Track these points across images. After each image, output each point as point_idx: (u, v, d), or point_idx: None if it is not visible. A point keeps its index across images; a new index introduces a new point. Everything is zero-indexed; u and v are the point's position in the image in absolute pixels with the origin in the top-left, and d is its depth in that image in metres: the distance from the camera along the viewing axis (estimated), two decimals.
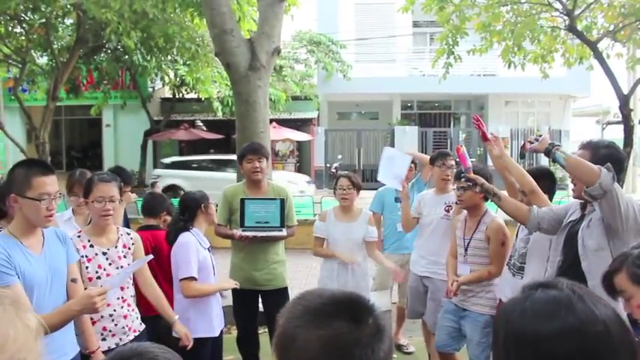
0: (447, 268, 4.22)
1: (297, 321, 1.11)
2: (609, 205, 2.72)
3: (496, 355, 1.17)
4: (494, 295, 3.90)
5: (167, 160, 18.90)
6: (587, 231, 2.89)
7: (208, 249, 3.83)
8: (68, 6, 11.83)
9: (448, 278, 4.11)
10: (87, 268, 3.07)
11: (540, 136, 3.03)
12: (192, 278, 3.61)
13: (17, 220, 2.59)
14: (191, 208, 3.82)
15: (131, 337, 3.21)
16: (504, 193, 3.50)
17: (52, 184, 2.56)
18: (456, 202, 4.20)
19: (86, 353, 2.92)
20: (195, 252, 3.65)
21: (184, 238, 3.70)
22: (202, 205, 3.81)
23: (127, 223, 4.79)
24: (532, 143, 3.05)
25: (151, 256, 3.25)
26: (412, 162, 5.14)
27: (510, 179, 3.80)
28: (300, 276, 8.10)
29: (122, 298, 3.21)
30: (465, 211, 4.07)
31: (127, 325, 3.22)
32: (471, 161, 3.73)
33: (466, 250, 3.95)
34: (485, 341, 3.81)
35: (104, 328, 3.12)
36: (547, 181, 3.72)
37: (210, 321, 3.72)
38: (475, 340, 3.87)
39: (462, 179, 3.58)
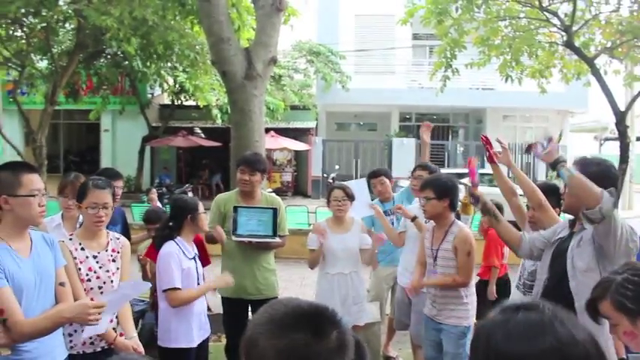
0: (414, 274, 4.23)
1: (259, 328, 1.13)
2: (605, 230, 2.69)
3: None
4: (469, 307, 3.89)
5: None
6: (577, 250, 2.86)
7: (194, 258, 3.80)
8: (69, 11, 11.88)
9: (415, 276, 4.15)
10: (79, 269, 3.07)
11: (551, 140, 2.95)
12: (176, 288, 3.59)
13: (5, 223, 2.58)
14: (178, 215, 3.80)
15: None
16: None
17: (39, 181, 2.61)
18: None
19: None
20: (178, 262, 3.62)
21: (166, 248, 3.68)
22: (189, 215, 3.76)
23: (125, 224, 4.80)
24: (541, 145, 2.97)
25: (149, 284, 3.24)
26: (382, 176, 5.30)
27: (517, 203, 3.76)
28: (293, 286, 8.08)
29: None
30: (432, 221, 4.06)
31: (113, 328, 3.20)
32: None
33: (435, 259, 3.95)
34: (462, 352, 3.81)
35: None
36: (555, 197, 3.69)
37: (190, 331, 3.69)
38: (451, 352, 3.86)
39: (469, 195, 3.52)
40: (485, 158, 3.69)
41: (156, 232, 4.07)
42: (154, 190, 11.70)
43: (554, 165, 2.86)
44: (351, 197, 4.59)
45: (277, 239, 4.43)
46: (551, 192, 3.70)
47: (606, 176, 2.87)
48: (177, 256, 3.65)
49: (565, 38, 9.93)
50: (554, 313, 1.15)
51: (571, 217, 3.09)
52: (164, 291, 3.62)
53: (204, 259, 4.25)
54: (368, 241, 4.60)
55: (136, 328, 4.74)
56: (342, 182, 5.05)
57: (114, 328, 3.20)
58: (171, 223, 3.81)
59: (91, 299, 2.67)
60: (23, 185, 2.53)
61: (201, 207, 3.83)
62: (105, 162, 20.76)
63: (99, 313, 2.55)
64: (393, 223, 5.19)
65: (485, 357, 1.15)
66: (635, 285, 1.87)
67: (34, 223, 2.65)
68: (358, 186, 4.91)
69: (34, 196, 2.54)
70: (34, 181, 2.57)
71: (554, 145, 2.93)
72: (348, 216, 4.67)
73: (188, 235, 3.81)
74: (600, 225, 2.68)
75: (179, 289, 3.60)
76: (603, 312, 1.94)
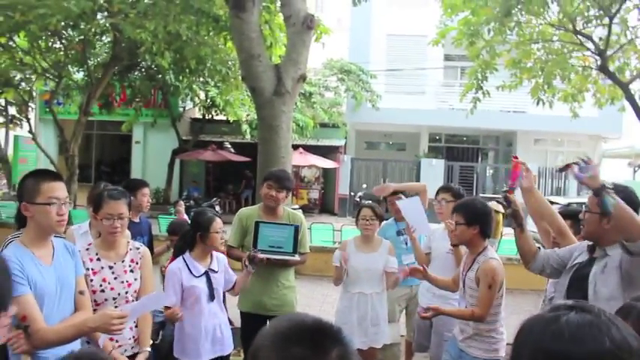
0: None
1: (263, 340, 1.14)
2: None
3: None
4: (498, 338, 3.73)
5: None
6: (602, 277, 2.79)
7: (206, 273, 3.78)
8: (106, 25, 12.16)
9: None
10: (91, 280, 3.09)
11: (586, 161, 2.80)
12: (167, 307, 3.64)
13: (29, 230, 2.62)
14: (194, 230, 3.81)
15: (136, 350, 3.22)
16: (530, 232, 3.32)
17: (60, 189, 2.59)
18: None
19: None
20: (177, 282, 3.66)
21: (172, 265, 3.73)
22: (199, 233, 3.76)
23: (150, 235, 4.85)
24: (578, 165, 2.82)
25: (171, 297, 3.28)
26: (399, 194, 5.17)
27: (544, 226, 3.63)
28: (315, 303, 8.03)
29: None
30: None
31: (133, 337, 3.24)
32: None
33: (464, 285, 3.83)
34: None
35: (110, 339, 3.12)
36: (577, 222, 3.60)
37: (198, 347, 3.70)
38: None
39: (503, 198, 3.40)
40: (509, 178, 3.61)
41: (175, 244, 4.11)
42: (182, 202, 11.81)
43: (599, 191, 2.73)
44: (379, 217, 4.54)
45: (296, 257, 4.40)
46: (570, 218, 3.61)
47: (630, 202, 2.80)
48: (178, 275, 3.67)
49: (599, 62, 9.81)
50: (610, 317, 1.12)
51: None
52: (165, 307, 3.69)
53: None
54: (394, 264, 4.53)
55: (156, 338, 4.78)
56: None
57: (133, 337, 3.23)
58: (187, 235, 3.84)
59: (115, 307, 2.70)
60: (42, 193, 2.54)
61: (214, 226, 3.79)
62: (135, 173, 21.07)
63: (121, 324, 2.56)
64: (406, 243, 5.14)
65: (531, 354, 1.11)
66: None
67: (54, 231, 2.65)
68: (412, 204, 4.78)
69: (50, 204, 2.54)
70: (55, 188, 2.57)
71: (596, 169, 2.80)
72: (376, 236, 4.63)
73: (201, 251, 3.80)
74: (638, 257, 2.61)
75: (168, 307, 3.64)
76: None
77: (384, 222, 5.27)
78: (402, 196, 5.18)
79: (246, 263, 3.98)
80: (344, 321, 4.33)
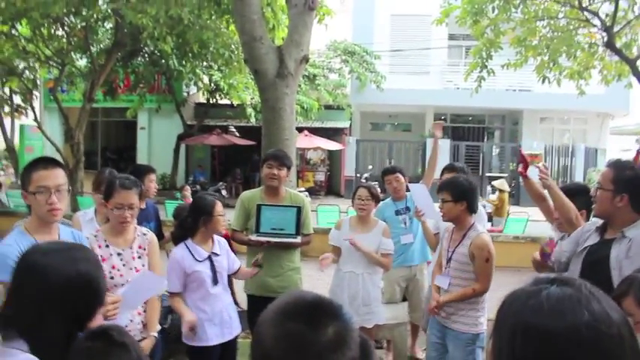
0: (432, 279, 4.15)
1: (264, 317, 1.17)
2: None
3: (498, 343, 1.14)
4: (480, 313, 3.78)
5: None
6: (627, 262, 2.69)
7: (209, 257, 3.78)
8: (108, 10, 12.12)
9: (432, 292, 4.05)
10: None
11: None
12: (174, 293, 3.67)
13: (32, 217, 2.63)
14: (195, 215, 3.77)
15: (144, 335, 3.24)
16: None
17: (49, 178, 2.55)
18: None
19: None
20: (180, 268, 3.66)
21: (174, 252, 3.72)
22: (202, 217, 3.73)
23: (158, 220, 4.86)
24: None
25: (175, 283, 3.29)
26: (397, 173, 5.25)
27: (547, 206, 3.68)
28: (321, 284, 8.02)
29: None
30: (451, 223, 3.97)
31: (142, 321, 3.26)
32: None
33: (448, 261, 3.85)
34: (470, 359, 3.73)
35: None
36: (584, 198, 3.56)
37: (204, 330, 3.70)
38: (458, 358, 3.77)
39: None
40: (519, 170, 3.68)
41: (174, 229, 4.10)
42: (188, 187, 11.86)
43: None
44: (375, 197, 4.56)
45: (298, 239, 4.41)
46: (580, 193, 3.59)
47: (639, 181, 2.77)
48: (181, 262, 3.67)
49: (606, 39, 9.70)
50: (590, 290, 1.11)
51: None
52: (169, 292, 3.70)
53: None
54: (388, 246, 4.52)
55: (165, 322, 4.81)
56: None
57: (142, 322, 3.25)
58: (186, 220, 3.81)
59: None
60: (32, 182, 2.53)
61: (217, 210, 3.77)
62: (141, 159, 21.12)
63: (115, 309, 2.55)
64: (405, 223, 5.16)
65: (511, 328, 1.11)
66: None
67: (48, 220, 2.61)
68: (420, 190, 4.77)
69: (37, 193, 2.51)
70: (43, 177, 2.54)
71: None
72: (372, 217, 4.63)
73: (203, 236, 3.78)
74: None
75: (176, 293, 3.67)
76: (626, 309, 1.94)
77: (383, 202, 5.27)
78: (400, 176, 5.25)
79: (254, 263, 4.02)
80: (335, 299, 4.32)
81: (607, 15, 9.68)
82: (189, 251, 3.70)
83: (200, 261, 3.71)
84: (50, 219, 2.59)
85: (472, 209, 3.80)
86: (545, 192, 3.61)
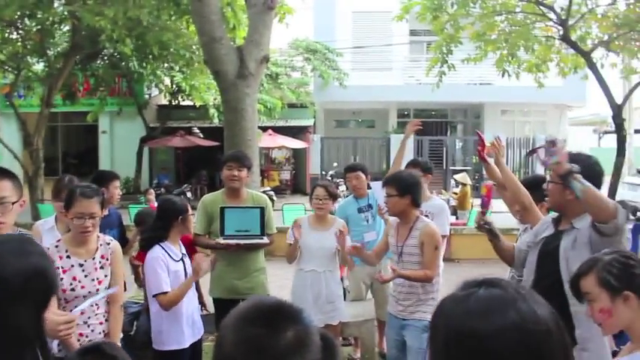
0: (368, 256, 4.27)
1: (225, 323, 1.18)
2: (615, 240, 2.62)
3: (434, 351, 1.15)
4: (436, 302, 3.83)
5: None
6: (573, 253, 2.75)
7: (182, 258, 3.76)
8: (64, 13, 11.85)
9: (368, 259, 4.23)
10: (61, 279, 2.99)
11: (555, 143, 2.65)
12: (164, 293, 3.57)
13: None
14: (167, 217, 3.73)
15: None
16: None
17: None
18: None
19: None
20: (164, 266, 3.59)
21: (152, 253, 3.64)
22: (180, 217, 3.71)
23: (121, 227, 4.77)
24: (548, 150, 2.70)
25: (116, 289, 3.18)
26: (358, 171, 5.35)
27: (508, 195, 3.71)
28: (289, 284, 8.00)
29: (96, 305, 3.14)
30: (397, 218, 4.02)
31: (103, 331, 3.18)
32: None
33: (400, 256, 3.92)
34: (426, 347, 3.76)
35: (80, 334, 3.06)
36: (540, 191, 3.63)
37: (181, 333, 3.67)
38: (415, 346, 3.82)
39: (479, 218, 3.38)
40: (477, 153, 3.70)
41: (141, 234, 4.03)
42: (152, 190, 11.67)
43: (566, 177, 2.63)
44: (333, 196, 4.60)
45: (265, 239, 4.42)
46: (536, 186, 3.65)
47: (593, 172, 2.81)
48: (164, 261, 3.60)
49: (561, 32, 9.90)
50: (516, 289, 1.13)
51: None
52: (154, 296, 3.59)
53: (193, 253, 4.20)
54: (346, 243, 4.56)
55: (131, 329, 4.74)
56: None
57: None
58: (157, 224, 3.76)
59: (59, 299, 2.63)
60: None
61: (189, 209, 3.79)
62: (103, 164, 20.75)
63: (68, 329, 2.48)
64: (367, 221, 5.21)
65: (444, 334, 1.12)
66: (622, 265, 2.03)
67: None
68: (381, 188, 4.84)
69: None
70: None
71: (562, 152, 2.67)
72: (329, 215, 4.68)
73: (175, 237, 3.77)
74: (611, 237, 2.62)
75: (167, 293, 3.57)
76: (584, 288, 2.06)
77: (345, 199, 5.31)
78: (361, 173, 5.33)
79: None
80: (299, 299, 4.34)
81: (562, 9, 9.87)
82: (166, 252, 3.65)
83: (177, 261, 3.68)
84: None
85: (416, 202, 3.89)
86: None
